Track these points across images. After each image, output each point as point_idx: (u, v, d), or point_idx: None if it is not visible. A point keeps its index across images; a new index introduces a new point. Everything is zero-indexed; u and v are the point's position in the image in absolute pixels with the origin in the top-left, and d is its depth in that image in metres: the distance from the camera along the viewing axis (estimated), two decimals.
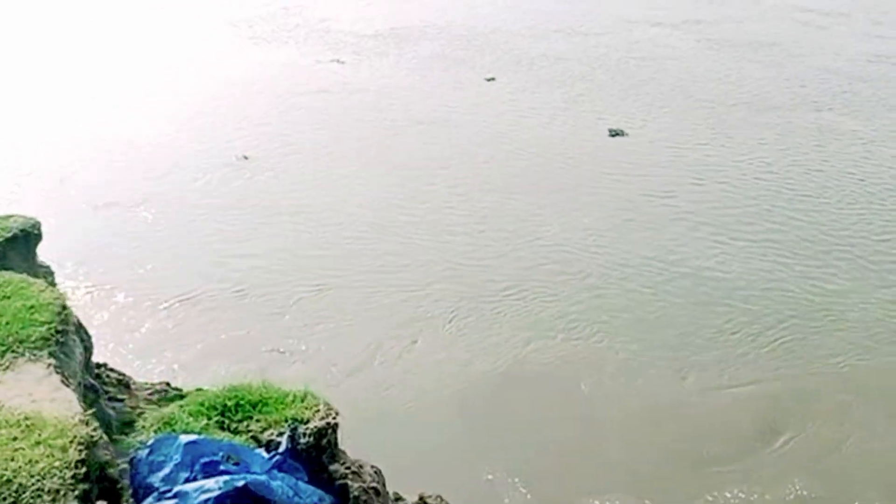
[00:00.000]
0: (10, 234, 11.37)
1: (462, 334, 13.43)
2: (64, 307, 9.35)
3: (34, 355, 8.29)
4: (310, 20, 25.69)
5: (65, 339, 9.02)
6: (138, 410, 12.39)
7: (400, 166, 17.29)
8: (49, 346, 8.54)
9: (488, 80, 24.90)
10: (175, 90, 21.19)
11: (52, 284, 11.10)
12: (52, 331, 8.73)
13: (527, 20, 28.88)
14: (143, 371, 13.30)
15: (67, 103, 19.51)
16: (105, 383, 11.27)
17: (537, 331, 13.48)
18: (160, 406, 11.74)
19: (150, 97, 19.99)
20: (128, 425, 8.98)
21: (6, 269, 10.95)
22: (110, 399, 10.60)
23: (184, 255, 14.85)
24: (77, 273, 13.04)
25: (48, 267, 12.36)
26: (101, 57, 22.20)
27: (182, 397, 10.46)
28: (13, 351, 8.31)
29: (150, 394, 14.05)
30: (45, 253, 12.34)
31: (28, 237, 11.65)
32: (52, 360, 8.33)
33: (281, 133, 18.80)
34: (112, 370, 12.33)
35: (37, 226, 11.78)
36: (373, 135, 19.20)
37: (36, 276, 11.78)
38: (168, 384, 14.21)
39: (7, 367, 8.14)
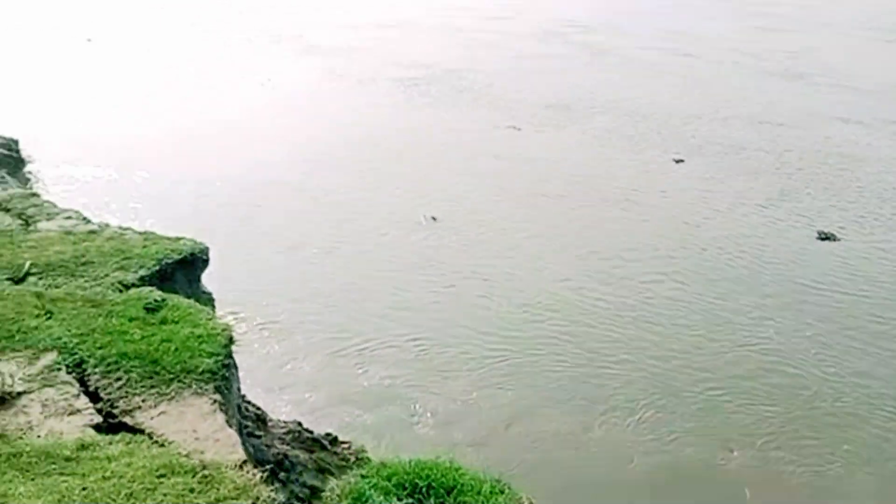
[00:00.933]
0: (179, 257, 11.28)
1: (644, 428, 12.22)
2: (231, 340, 8.96)
3: (200, 388, 7.87)
4: (476, 85, 24.99)
5: (229, 374, 8.60)
6: (274, 450, 11.89)
7: (585, 247, 15.79)
8: (215, 380, 8.12)
9: (677, 161, 22.39)
10: (361, 146, 20.77)
11: (212, 311, 10.86)
12: (219, 364, 8.33)
13: (704, 103, 26.68)
14: (274, 406, 12.91)
15: (261, 150, 19.74)
16: (244, 416, 10.81)
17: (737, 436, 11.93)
18: (312, 455, 11.20)
19: (336, 149, 19.65)
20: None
21: (172, 291, 10.84)
22: (248, 434, 10.14)
23: (358, 303, 14.45)
24: (239, 304, 12.87)
25: (210, 294, 12.22)
26: (289, 117, 22.27)
27: (335, 453, 9.77)
28: (180, 381, 7.94)
29: (284, 432, 13.61)
30: (212, 281, 12.23)
31: (196, 261, 11.56)
32: (218, 396, 7.89)
33: (466, 197, 17.76)
34: (250, 403, 11.97)
35: (205, 251, 11.68)
36: (558, 208, 17.80)
37: (198, 301, 11.67)
38: (300, 424, 13.76)
39: (172, 398, 7.75)
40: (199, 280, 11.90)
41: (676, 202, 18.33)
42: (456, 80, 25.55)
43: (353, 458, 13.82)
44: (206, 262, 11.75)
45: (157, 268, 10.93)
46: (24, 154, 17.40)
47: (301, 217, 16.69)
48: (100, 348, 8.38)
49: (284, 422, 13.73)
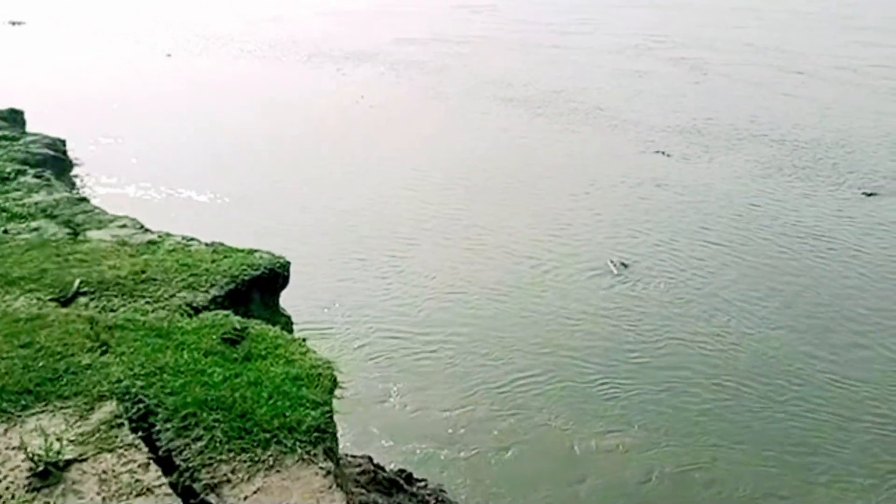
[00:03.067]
0: (256, 273, 9.32)
1: None
2: (335, 382, 6.92)
3: (307, 453, 5.83)
4: (585, 106, 22.34)
5: (336, 430, 6.57)
6: (350, 495, 10.10)
7: (802, 302, 12.40)
8: (324, 440, 6.08)
9: (867, 194, 18.80)
10: (494, 172, 17.76)
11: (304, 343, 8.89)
12: (327, 418, 6.29)
13: (854, 127, 23.17)
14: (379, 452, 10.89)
15: (375, 177, 17.23)
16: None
17: None
18: (390, 499, 9.27)
19: (465, 176, 16.94)
20: None
21: (248, 315, 8.88)
22: None
23: (509, 348, 12.15)
24: (329, 332, 10.86)
25: (289, 317, 10.24)
26: (394, 137, 19.77)
27: None
28: (279, 442, 5.92)
29: (358, 472, 11.71)
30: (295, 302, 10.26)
31: (275, 279, 9.58)
32: (330, 465, 5.84)
33: (647, 235, 14.85)
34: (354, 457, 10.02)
35: (286, 266, 9.72)
36: (756, 252, 14.58)
37: (276, 325, 9.72)
38: (371, 459, 11.95)
39: (271, 467, 5.73)
40: (277, 301, 9.91)
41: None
42: (562, 101, 23.11)
43: (432, 501, 11.78)
44: (286, 279, 9.77)
45: (232, 286, 8.99)
46: (72, 156, 15.72)
47: (443, 254, 13.85)
48: (171, 394, 6.40)
49: (353, 456, 11.83)
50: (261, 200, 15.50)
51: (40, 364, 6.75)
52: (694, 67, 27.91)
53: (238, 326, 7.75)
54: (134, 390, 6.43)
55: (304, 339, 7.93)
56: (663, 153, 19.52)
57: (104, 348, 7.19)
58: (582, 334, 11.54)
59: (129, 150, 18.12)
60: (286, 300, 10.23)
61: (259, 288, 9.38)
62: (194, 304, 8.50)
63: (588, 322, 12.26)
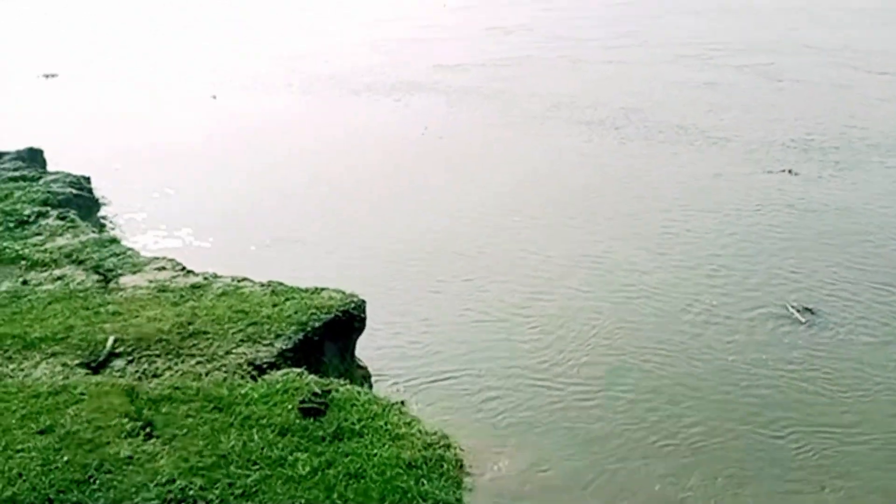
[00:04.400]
0: (328, 317, 7.54)
1: None
2: (461, 466, 5.06)
3: None
4: (666, 124, 19.98)
5: None
6: None
7: None
8: None
9: None
10: (598, 201, 15.41)
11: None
12: None
13: None
14: None
15: (454, 210, 15.03)
16: None
17: None
18: None
19: (565, 206, 14.74)
20: None
21: (322, 371, 7.11)
22: None
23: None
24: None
25: (366, 368, 8.44)
26: (469, 167, 17.67)
27: None
28: None
29: None
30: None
31: (350, 323, 7.79)
32: None
33: (819, 275, 12.45)
34: None
35: (361, 307, 7.93)
36: None
37: (353, 380, 7.92)
38: None
39: None
40: (353, 351, 8.12)
41: None
42: (638, 119, 20.95)
43: None
44: (362, 322, 7.97)
45: (301, 336, 7.20)
46: (98, 195, 14.15)
47: (566, 293, 11.62)
48: (244, 496, 4.59)
49: None
50: (326, 240, 13.76)
51: (65, 458, 5.00)
52: (764, 74, 25.82)
53: (318, 390, 5.95)
54: (191, 493, 4.63)
55: (402, 403, 6.10)
56: (790, 171, 17.14)
57: (148, 430, 5.43)
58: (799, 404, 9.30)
59: (172, 193, 16.59)
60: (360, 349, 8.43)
61: (332, 335, 7.59)
62: (257, 362, 6.73)
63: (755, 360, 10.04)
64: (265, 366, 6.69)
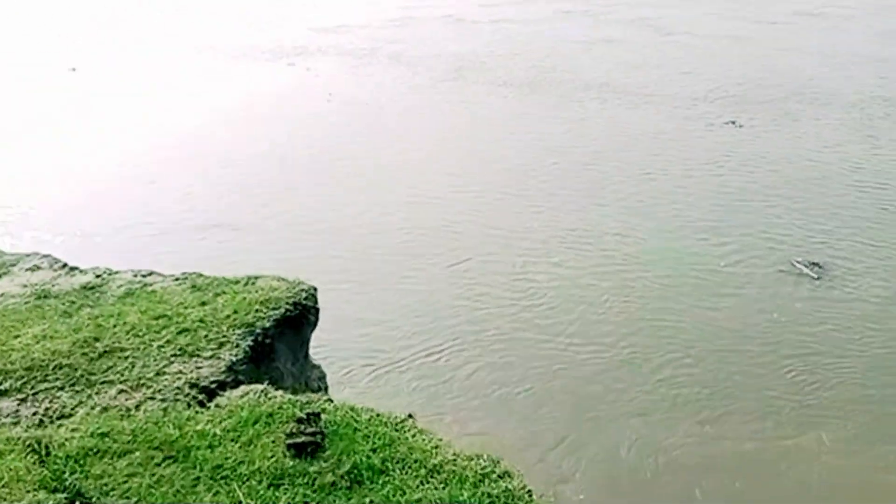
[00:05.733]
0: (277, 313, 6.01)
1: None
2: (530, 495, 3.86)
3: None
4: (591, 80, 18.56)
5: None
6: None
7: None
8: None
9: None
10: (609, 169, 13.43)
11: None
12: None
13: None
14: None
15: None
16: None
17: None
18: None
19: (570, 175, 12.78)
20: None
21: (276, 379, 5.63)
22: None
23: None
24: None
25: (320, 367, 6.99)
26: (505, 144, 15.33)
27: None
28: None
29: None
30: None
31: (303, 317, 6.29)
32: None
33: (812, 226, 11.36)
34: None
35: (313, 296, 6.43)
36: None
37: (309, 385, 6.47)
38: None
39: None
40: (307, 350, 6.63)
41: None
42: (558, 80, 19.71)
43: None
44: (316, 315, 6.49)
45: (250, 341, 5.64)
46: None
47: (575, 263, 10.22)
48: None
49: None
50: (237, 223, 11.82)
51: None
52: (655, 28, 25.58)
53: (303, 415, 4.49)
54: None
55: (410, 416, 4.75)
56: (733, 123, 16.67)
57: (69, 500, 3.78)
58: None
59: (30, 179, 13.87)
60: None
61: (284, 335, 6.06)
62: (202, 383, 5.13)
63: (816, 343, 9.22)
64: (213, 386, 5.11)
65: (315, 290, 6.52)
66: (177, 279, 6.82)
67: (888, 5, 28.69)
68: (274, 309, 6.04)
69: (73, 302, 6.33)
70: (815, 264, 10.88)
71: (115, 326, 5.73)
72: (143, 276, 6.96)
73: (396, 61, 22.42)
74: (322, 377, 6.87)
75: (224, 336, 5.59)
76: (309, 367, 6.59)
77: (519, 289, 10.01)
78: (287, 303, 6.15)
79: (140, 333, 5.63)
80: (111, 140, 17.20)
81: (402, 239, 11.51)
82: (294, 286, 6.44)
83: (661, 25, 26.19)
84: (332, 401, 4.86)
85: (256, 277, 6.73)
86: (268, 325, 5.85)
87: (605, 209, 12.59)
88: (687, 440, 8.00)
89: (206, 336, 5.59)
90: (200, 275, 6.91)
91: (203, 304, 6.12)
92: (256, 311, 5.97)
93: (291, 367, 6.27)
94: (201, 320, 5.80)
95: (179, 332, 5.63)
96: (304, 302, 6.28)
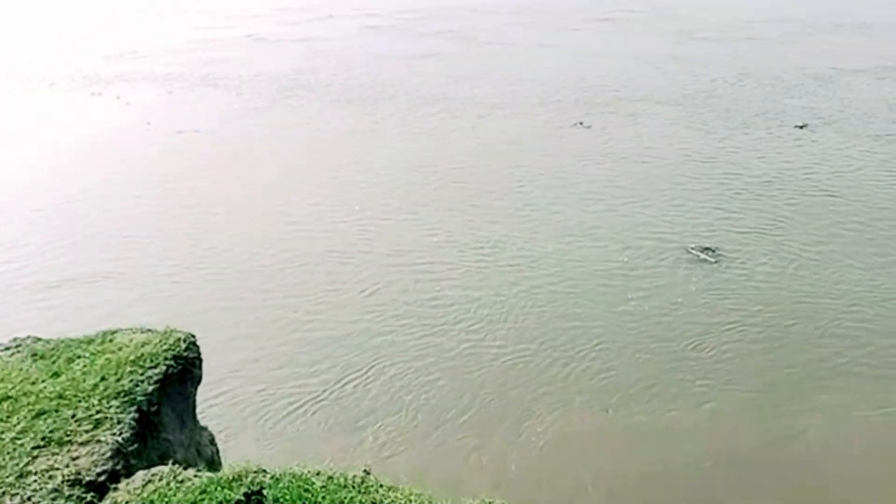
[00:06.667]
0: (159, 372, 4.98)
1: None
2: None
3: None
4: (416, 94, 17.40)
5: None
6: None
7: None
8: None
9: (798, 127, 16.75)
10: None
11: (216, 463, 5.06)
12: None
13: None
14: None
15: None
16: None
17: None
18: None
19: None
20: None
21: (162, 451, 4.60)
22: None
23: None
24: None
25: (207, 428, 5.96)
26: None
27: None
28: None
29: None
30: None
31: (188, 372, 5.28)
32: None
33: (693, 215, 10.60)
34: None
35: (194, 346, 5.43)
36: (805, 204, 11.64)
37: (201, 452, 5.44)
38: None
39: None
40: (195, 410, 5.59)
41: None
42: (398, 93, 18.50)
43: None
44: (199, 367, 5.48)
45: (133, 413, 4.57)
46: None
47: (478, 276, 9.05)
48: None
49: None
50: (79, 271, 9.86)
51: None
52: (464, 39, 25.61)
53: (241, 496, 3.59)
54: None
55: (366, 472, 3.99)
56: (581, 124, 16.69)
57: None
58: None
59: None
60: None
61: (169, 398, 5.00)
62: (86, 477, 4.00)
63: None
64: (102, 479, 4.00)
65: (194, 337, 5.49)
66: (7, 348, 5.47)
67: (661, 6, 31.31)
68: (151, 367, 4.96)
69: None
70: (708, 249, 11.30)
71: None
72: None
73: (213, 85, 20.70)
74: (212, 439, 5.83)
75: (99, 412, 4.46)
76: (198, 432, 5.53)
77: (431, 315, 9.28)
78: (166, 358, 5.09)
79: None
80: None
81: (288, 276, 10.25)
82: (167, 337, 5.37)
83: (469, 36, 26.56)
84: (265, 470, 3.95)
85: (113, 332, 5.56)
86: (149, 388, 4.77)
87: (495, 225, 12.15)
88: (591, 424, 7.84)
89: (73, 416, 4.42)
90: (38, 338, 5.61)
91: (55, 375, 4.90)
92: (130, 373, 4.86)
93: (180, 435, 5.20)
94: (60, 396, 4.60)
95: (36, 416, 4.41)
96: (184, 354, 5.24)
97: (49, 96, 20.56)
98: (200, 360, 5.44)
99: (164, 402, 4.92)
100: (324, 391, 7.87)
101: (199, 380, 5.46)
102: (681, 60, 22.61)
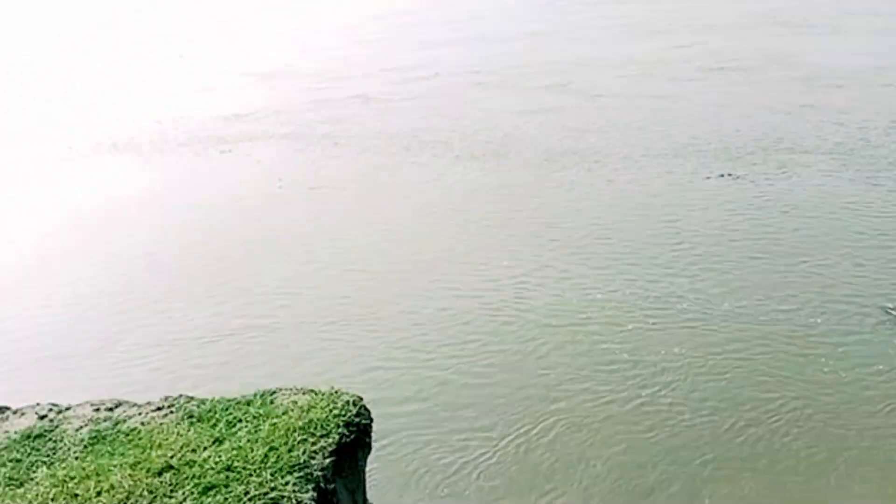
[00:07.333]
0: (332, 442, 4.32)
1: None
2: None
3: None
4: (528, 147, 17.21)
5: None
6: None
7: None
8: None
9: None
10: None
11: None
12: None
13: None
14: None
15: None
16: None
17: None
18: None
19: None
20: None
21: None
22: None
23: None
24: None
25: None
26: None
27: None
28: None
29: None
30: None
31: (360, 442, 4.61)
32: None
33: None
34: None
35: (365, 411, 4.77)
36: None
37: None
38: None
39: None
40: (365, 485, 4.89)
41: None
42: (522, 148, 18.17)
43: None
44: (369, 436, 4.80)
45: (312, 491, 3.90)
46: None
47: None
48: None
49: None
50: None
51: None
52: (577, 93, 25.11)
53: None
54: None
55: None
56: (728, 175, 15.75)
57: None
58: None
59: None
60: None
61: (342, 472, 4.33)
62: None
63: None
64: None
65: (362, 399, 4.82)
66: (159, 408, 4.97)
67: (778, 53, 29.74)
68: (323, 436, 4.30)
69: (19, 460, 4.36)
70: None
71: (98, 495, 3.83)
72: (109, 408, 5.07)
73: (335, 143, 20.82)
74: None
75: (273, 488, 3.81)
76: None
77: (607, 381, 8.35)
78: (337, 425, 4.43)
79: (140, 502, 3.76)
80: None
81: (447, 334, 9.54)
82: (334, 399, 4.73)
83: (580, 89, 25.89)
84: None
85: (272, 392, 4.98)
86: (325, 461, 4.10)
87: (656, 284, 11.07)
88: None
89: (245, 493, 3.78)
90: (191, 398, 5.08)
91: (217, 441, 4.31)
92: (301, 442, 4.22)
93: None
94: (228, 468, 3.99)
95: (203, 492, 3.80)
96: (356, 420, 4.57)
97: (182, 155, 21.15)
98: (371, 427, 4.77)
99: (337, 478, 4.24)
100: (490, 456, 7.08)
101: (370, 450, 4.78)
102: (818, 109, 21.14)
